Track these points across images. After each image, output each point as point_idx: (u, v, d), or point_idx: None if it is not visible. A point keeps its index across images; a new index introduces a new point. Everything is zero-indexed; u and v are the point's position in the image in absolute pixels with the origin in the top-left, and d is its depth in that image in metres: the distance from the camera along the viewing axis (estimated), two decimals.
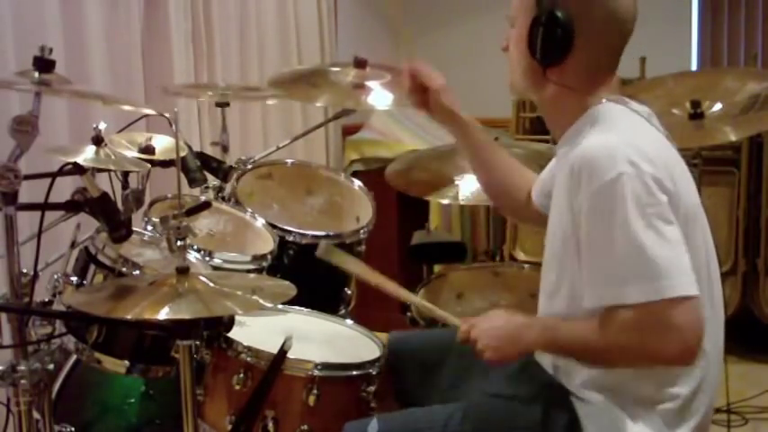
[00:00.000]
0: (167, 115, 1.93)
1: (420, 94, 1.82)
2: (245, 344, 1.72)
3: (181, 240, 1.48)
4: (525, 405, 1.53)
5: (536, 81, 1.54)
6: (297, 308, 2.01)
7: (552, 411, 1.50)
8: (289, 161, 2.69)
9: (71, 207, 1.61)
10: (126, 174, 2.07)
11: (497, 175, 1.88)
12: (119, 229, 1.60)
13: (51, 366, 1.55)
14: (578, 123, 1.52)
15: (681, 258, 1.36)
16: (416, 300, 1.93)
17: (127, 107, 2.02)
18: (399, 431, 1.56)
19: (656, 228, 1.35)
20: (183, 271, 1.47)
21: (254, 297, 1.51)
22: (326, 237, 2.33)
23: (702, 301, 1.39)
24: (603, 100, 1.51)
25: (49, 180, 1.58)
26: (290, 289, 1.55)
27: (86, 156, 1.81)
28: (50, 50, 1.56)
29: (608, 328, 1.39)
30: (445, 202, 3.29)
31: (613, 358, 1.44)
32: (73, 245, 1.88)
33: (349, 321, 2.03)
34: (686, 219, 1.42)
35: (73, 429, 1.94)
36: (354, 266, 1.89)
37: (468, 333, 1.55)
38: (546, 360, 1.62)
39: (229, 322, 1.65)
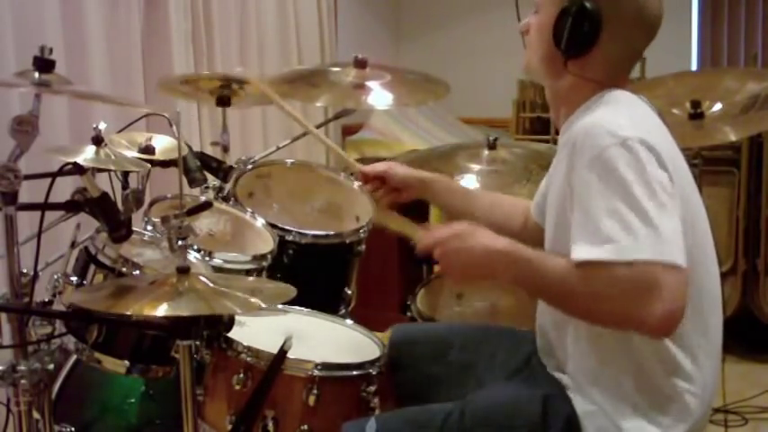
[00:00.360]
0: (167, 115, 1.93)
1: (383, 186, 1.92)
2: (245, 344, 1.72)
3: (181, 240, 1.48)
4: (524, 403, 1.53)
5: (554, 70, 1.54)
6: (297, 308, 2.00)
7: (551, 409, 1.50)
8: (289, 161, 2.69)
9: (71, 207, 1.61)
10: (126, 174, 2.07)
11: (481, 217, 1.85)
12: (119, 229, 1.60)
13: (51, 366, 1.55)
14: (584, 106, 1.52)
15: (677, 229, 1.32)
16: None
17: (127, 107, 2.02)
18: (397, 430, 1.56)
19: (656, 195, 1.32)
20: (184, 271, 1.47)
21: (254, 297, 1.51)
22: (326, 237, 2.33)
23: (699, 292, 1.38)
24: (613, 89, 1.52)
25: (49, 180, 1.59)
26: (289, 289, 1.55)
27: (86, 156, 1.81)
28: (50, 50, 1.56)
29: (593, 277, 1.32)
30: None
31: (585, 306, 1.36)
32: (73, 245, 1.88)
33: (349, 321, 2.03)
34: (688, 213, 1.42)
35: (73, 429, 1.94)
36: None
37: (431, 248, 1.48)
38: (547, 357, 1.62)
39: (229, 322, 1.65)
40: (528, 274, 1.41)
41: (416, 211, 3.68)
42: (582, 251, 1.34)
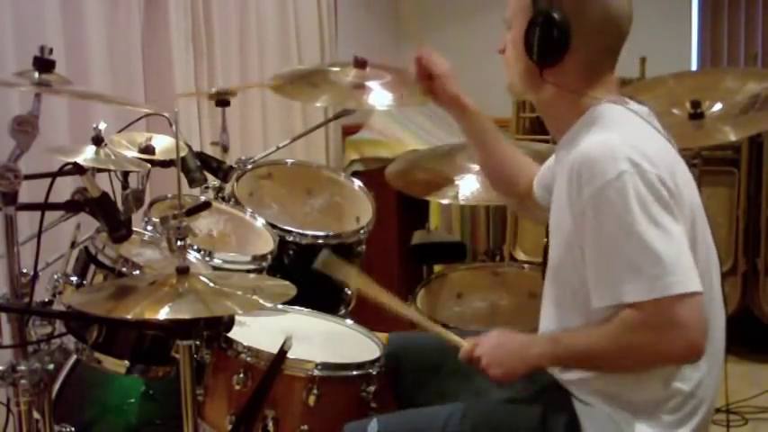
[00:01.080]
0: (167, 115, 1.93)
1: (426, 81, 1.86)
2: (245, 344, 1.72)
3: (181, 240, 1.48)
4: (525, 405, 1.53)
5: (533, 82, 1.54)
6: (297, 308, 2.00)
7: (552, 411, 1.50)
8: (289, 161, 2.69)
9: (71, 207, 1.61)
10: (126, 174, 2.07)
11: (498, 161, 1.90)
12: (119, 229, 1.60)
13: (51, 366, 1.55)
14: (577, 125, 1.52)
15: (685, 255, 1.36)
16: (417, 317, 1.83)
17: (127, 107, 2.01)
18: (399, 431, 1.56)
19: (659, 224, 1.35)
20: (183, 271, 1.47)
21: (254, 297, 1.51)
22: (326, 237, 2.33)
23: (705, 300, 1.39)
24: (602, 101, 1.51)
25: (49, 180, 1.58)
26: (290, 289, 1.55)
27: (86, 156, 1.81)
28: (50, 50, 1.56)
29: (612, 331, 1.39)
30: (445, 202, 3.29)
31: (620, 362, 1.43)
32: (73, 245, 1.88)
33: (349, 321, 2.03)
34: (688, 219, 1.42)
35: (73, 429, 1.94)
36: (354, 279, 1.89)
37: (471, 352, 1.56)
38: None
39: (229, 322, 1.65)
40: (560, 352, 1.49)
41: (416, 209, 3.69)
42: (600, 299, 1.41)
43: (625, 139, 1.42)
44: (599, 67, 1.53)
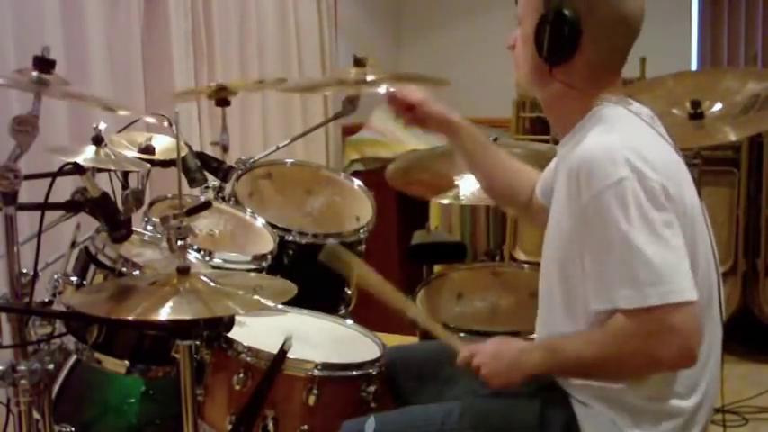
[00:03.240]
0: (167, 115, 1.94)
1: (408, 113, 1.86)
2: (245, 344, 1.72)
3: (181, 240, 1.48)
4: (523, 404, 1.53)
5: (542, 79, 1.53)
6: (297, 308, 2.00)
7: (550, 411, 1.50)
8: (289, 161, 2.69)
9: (71, 207, 1.61)
10: (126, 174, 2.07)
11: (497, 176, 1.87)
12: (119, 229, 1.60)
13: (51, 366, 1.55)
14: (580, 125, 1.52)
15: (682, 263, 1.36)
16: (417, 314, 1.86)
17: (127, 111, 2.01)
18: (397, 429, 1.56)
19: (657, 233, 1.35)
20: (184, 271, 1.47)
21: (255, 297, 1.51)
22: (326, 237, 2.33)
23: (702, 305, 1.39)
24: (606, 101, 1.51)
25: (49, 180, 1.58)
26: (290, 289, 1.55)
27: (86, 156, 1.81)
28: (49, 52, 1.56)
29: (606, 339, 1.40)
30: (445, 202, 3.29)
31: (613, 368, 1.44)
32: (73, 245, 1.88)
33: (349, 321, 2.03)
34: (688, 222, 1.42)
35: (73, 429, 1.94)
36: (360, 272, 1.89)
37: (469, 359, 1.56)
38: None
39: (229, 322, 1.65)
40: (557, 362, 1.49)
41: (416, 209, 3.69)
42: (596, 302, 1.41)
43: (626, 142, 1.41)
44: (607, 67, 1.53)
